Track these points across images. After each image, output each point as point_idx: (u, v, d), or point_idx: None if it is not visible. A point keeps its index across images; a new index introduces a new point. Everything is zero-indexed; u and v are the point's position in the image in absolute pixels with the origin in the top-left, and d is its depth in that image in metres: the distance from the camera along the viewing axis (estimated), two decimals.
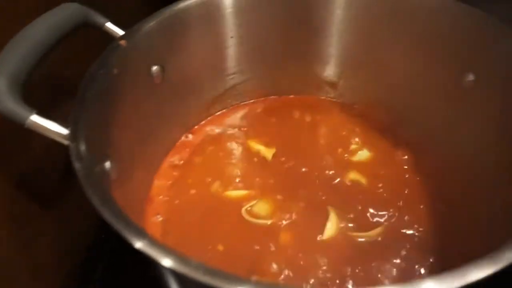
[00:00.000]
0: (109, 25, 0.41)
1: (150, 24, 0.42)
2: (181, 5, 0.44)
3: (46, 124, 0.31)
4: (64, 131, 0.31)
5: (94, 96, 0.35)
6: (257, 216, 0.44)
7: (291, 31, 0.51)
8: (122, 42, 0.39)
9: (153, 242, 0.25)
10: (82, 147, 0.30)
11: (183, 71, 0.48)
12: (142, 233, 0.25)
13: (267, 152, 0.51)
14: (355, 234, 0.42)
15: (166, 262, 0.24)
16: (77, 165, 0.28)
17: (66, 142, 0.31)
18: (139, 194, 0.45)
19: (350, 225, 0.43)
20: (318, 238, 0.42)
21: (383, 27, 0.48)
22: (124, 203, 0.38)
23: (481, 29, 0.40)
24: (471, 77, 0.41)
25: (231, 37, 0.50)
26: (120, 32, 0.41)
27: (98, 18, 0.40)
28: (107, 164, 0.35)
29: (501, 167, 0.37)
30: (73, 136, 0.30)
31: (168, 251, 0.25)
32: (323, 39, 0.52)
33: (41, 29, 0.35)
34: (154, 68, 0.44)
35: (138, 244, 0.25)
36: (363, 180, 0.47)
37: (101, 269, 0.48)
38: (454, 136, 0.44)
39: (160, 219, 0.45)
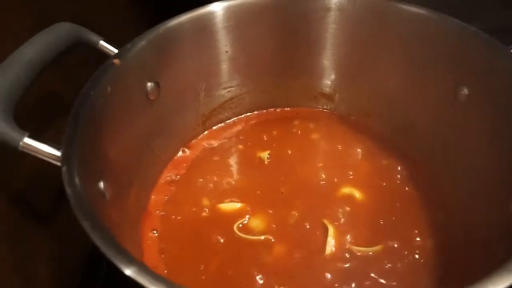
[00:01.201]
0: (103, 43, 0.41)
1: (144, 41, 0.42)
2: (174, 22, 0.44)
3: (39, 146, 0.32)
4: (57, 152, 0.31)
5: (87, 116, 0.35)
6: (250, 232, 0.44)
7: (286, 45, 0.51)
8: (116, 61, 0.39)
9: (142, 269, 0.25)
10: (74, 171, 0.30)
11: (179, 86, 0.48)
12: (132, 260, 0.25)
13: (264, 163, 0.51)
14: (356, 248, 0.42)
15: None
16: (69, 190, 0.28)
17: (59, 163, 0.31)
18: (136, 209, 0.45)
19: (349, 240, 0.43)
20: (317, 254, 0.42)
21: (376, 41, 0.48)
22: (120, 220, 0.38)
23: (473, 45, 0.41)
24: (465, 90, 0.41)
25: (226, 51, 0.50)
26: (114, 50, 0.41)
27: (91, 36, 0.40)
28: (101, 184, 0.35)
29: (495, 178, 0.37)
30: (65, 159, 0.30)
31: (157, 278, 0.25)
32: (318, 53, 0.52)
33: (35, 50, 0.35)
34: (149, 84, 0.44)
35: (128, 271, 0.25)
36: (358, 193, 0.47)
37: (100, 285, 0.48)
38: (449, 147, 0.44)
39: (156, 234, 0.45)
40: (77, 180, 0.29)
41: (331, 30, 0.50)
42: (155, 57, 0.44)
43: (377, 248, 0.42)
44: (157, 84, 0.45)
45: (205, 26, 0.46)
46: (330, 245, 0.42)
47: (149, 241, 0.44)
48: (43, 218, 0.44)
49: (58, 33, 0.38)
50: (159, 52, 0.44)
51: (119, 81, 0.40)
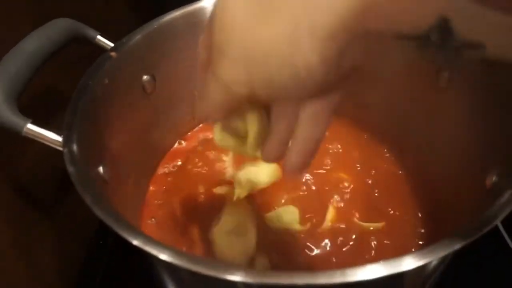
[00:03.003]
0: (100, 38, 0.43)
1: (139, 36, 0.44)
2: (167, 17, 0.46)
3: (41, 132, 0.33)
4: (58, 138, 0.33)
5: (86, 104, 0.37)
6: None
7: None
8: (112, 54, 0.41)
9: (148, 238, 0.26)
10: (75, 152, 0.32)
11: (174, 79, 0.50)
12: (136, 231, 0.27)
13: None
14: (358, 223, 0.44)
15: (163, 256, 0.26)
16: (70, 168, 0.30)
17: (61, 148, 0.33)
18: (134, 198, 0.47)
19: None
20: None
21: None
22: (119, 205, 0.40)
23: None
24: (445, 75, 0.43)
25: None
26: (111, 44, 0.43)
27: (89, 31, 0.42)
28: (101, 169, 0.37)
29: (473, 157, 0.39)
30: (66, 142, 0.32)
31: (163, 246, 0.26)
32: None
33: (34, 43, 0.37)
34: (145, 77, 0.46)
35: (135, 242, 0.26)
36: (350, 178, 0.49)
37: (101, 273, 0.50)
38: (433, 131, 0.46)
39: (155, 222, 0.47)
40: (78, 160, 0.31)
41: None
42: (150, 51, 0.45)
43: (378, 224, 0.44)
44: (153, 78, 0.47)
45: (198, 21, 0.48)
46: (329, 220, 0.44)
47: (147, 228, 0.46)
48: (47, 207, 0.46)
49: (57, 28, 0.39)
50: (154, 46, 0.46)
51: (116, 74, 0.42)
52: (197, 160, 0.53)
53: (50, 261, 0.45)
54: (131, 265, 0.48)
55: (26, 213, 0.42)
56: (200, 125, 0.57)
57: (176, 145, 0.55)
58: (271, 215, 0.44)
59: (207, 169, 0.52)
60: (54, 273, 0.46)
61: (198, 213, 0.47)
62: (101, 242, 0.52)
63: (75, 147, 0.32)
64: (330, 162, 0.51)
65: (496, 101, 0.37)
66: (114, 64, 0.41)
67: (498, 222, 0.27)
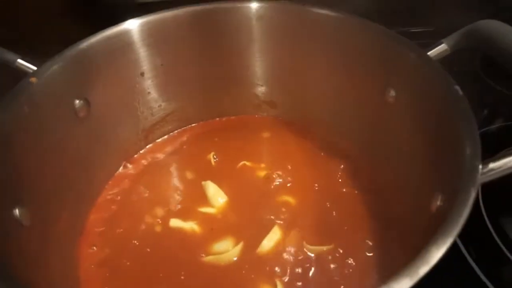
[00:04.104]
0: (21, 61, 0.39)
1: (63, 59, 0.41)
2: (85, 43, 0.42)
3: None
4: None
5: None
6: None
7: (214, 56, 0.51)
8: (33, 79, 0.37)
9: None
10: None
11: (111, 102, 0.47)
12: None
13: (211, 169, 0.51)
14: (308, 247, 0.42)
15: None
16: None
17: None
18: (71, 231, 0.43)
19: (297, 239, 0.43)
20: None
21: (302, 48, 0.48)
22: (44, 245, 0.36)
23: (396, 48, 0.41)
24: (392, 92, 0.42)
25: (162, 64, 0.49)
26: (34, 68, 0.40)
27: (7, 55, 0.39)
28: (17, 212, 0.33)
29: (421, 177, 0.37)
30: None
31: None
32: (248, 62, 0.52)
33: None
34: (77, 102, 0.43)
35: None
36: (299, 196, 0.46)
37: None
38: (383, 146, 0.45)
39: (96, 249, 0.43)
40: None
41: (256, 38, 0.49)
42: (80, 75, 0.42)
43: (326, 247, 0.41)
44: (86, 101, 0.44)
45: (127, 43, 0.45)
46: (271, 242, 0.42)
47: (87, 257, 0.43)
48: None
49: None
50: (83, 69, 0.42)
51: (39, 100, 0.38)
52: (144, 184, 0.50)
53: None
54: None
55: None
56: (148, 146, 0.54)
57: (121, 169, 0.52)
58: (209, 259, 0.42)
59: (155, 193, 0.49)
60: None
61: (144, 247, 0.43)
62: None
63: None
64: (282, 180, 0.49)
65: (435, 121, 0.36)
66: (37, 90, 0.38)
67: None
